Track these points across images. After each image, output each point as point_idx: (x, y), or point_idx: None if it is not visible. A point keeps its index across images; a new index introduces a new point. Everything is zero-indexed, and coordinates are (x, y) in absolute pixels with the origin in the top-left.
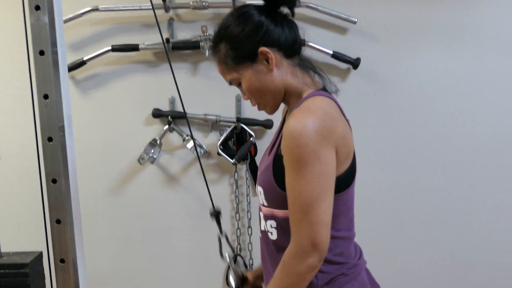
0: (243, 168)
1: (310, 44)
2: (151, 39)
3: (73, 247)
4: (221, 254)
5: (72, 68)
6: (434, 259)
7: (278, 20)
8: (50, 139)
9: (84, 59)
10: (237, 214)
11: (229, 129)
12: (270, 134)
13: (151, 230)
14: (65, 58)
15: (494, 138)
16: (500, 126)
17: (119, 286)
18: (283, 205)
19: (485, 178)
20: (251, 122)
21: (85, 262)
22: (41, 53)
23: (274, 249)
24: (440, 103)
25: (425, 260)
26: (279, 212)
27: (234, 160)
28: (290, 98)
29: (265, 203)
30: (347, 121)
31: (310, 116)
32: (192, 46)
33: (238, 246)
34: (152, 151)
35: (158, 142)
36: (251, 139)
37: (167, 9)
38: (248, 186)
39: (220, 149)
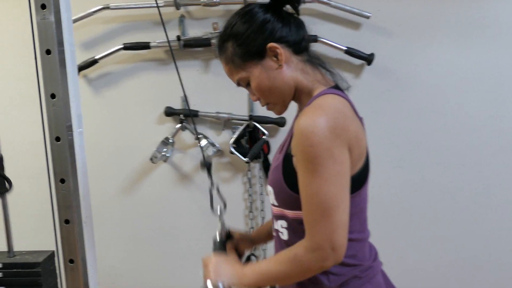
0: (256, 167)
1: (323, 40)
2: (162, 36)
3: (82, 247)
4: (212, 207)
5: (84, 67)
6: (454, 259)
7: (284, 17)
8: (58, 139)
9: (96, 57)
10: (251, 213)
11: (241, 127)
12: (283, 132)
13: (163, 229)
14: (74, 57)
15: None
16: None
17: (132, 286)
18: (293, 206)
19: (505, 176)
20: (264, 120)
21: (96, 262)
22: (48, 52)
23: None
24: (456, 99)
25: (440, 260)
26: (289, 213)
27: (247, 158)
28: (300, 95)
29: (276, 203)
30: (360, 119)
31: (322, 114)
32: (203, 43)
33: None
34: (165, 149)
35: (170, 141)
36: (264, 137)
37: (178, 7)
38: (262, 185)
39: (233, 147)
